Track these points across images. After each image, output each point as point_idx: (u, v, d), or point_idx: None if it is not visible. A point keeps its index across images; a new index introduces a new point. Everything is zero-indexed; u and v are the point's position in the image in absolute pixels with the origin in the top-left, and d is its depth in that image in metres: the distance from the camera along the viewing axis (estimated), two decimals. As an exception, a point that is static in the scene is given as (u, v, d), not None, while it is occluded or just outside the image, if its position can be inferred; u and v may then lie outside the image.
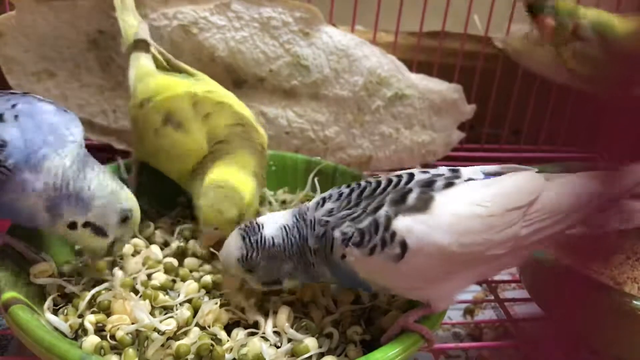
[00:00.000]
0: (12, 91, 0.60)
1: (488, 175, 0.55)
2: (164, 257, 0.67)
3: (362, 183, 0.55)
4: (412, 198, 0.51)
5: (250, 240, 0.55)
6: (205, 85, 0.73)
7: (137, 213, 0.61)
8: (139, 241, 0.69)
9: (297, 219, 0.55)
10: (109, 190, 0.58)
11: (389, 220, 0.50)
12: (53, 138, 0.55)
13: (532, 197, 0.52)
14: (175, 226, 0.72)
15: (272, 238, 0.55)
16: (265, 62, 0.90)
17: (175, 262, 0.66)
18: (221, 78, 0.80)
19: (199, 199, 0.65)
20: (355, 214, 0.51)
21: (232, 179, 0.65)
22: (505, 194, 0.52)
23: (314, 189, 0.79)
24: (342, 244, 0.51)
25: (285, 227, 0.55)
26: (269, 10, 0.89)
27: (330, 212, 0.53)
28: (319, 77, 0.92)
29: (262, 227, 0.55)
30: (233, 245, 0.56)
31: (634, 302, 0.57)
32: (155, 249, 0.68)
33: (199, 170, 0.67)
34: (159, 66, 0.76)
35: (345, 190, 0.55)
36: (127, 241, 0.63)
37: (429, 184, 0.52)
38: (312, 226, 0.54)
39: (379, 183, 0.54)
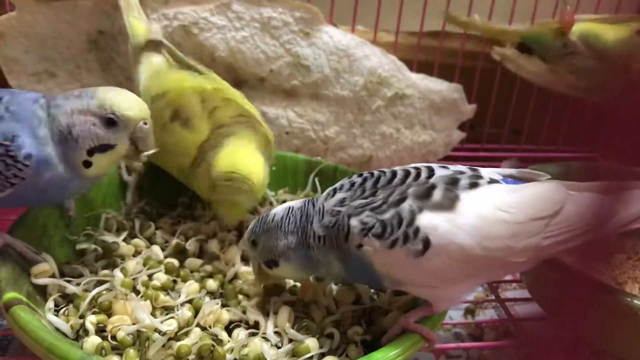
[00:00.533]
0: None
1: (506, 178, 0.54)
2: (165, 257, 0.67)
3: (375, 172, 0.55)
4: (437, 194, 0.50)
5: (259, 220, 0.58)
6: (214, 83, 0.73)
7: (124, 108, 0.57)
8: (139, 242, 0.69)
9: (305, 204, 0.56)
10: (76, 112, 0.56)
11: (413, 214, 0.49)
12: (35, 107, 0.57)
13: (556, 209, 0.51)
14: (176, 226, 0.72)
15: (274, 214, 0.57)
16: (265, 62, 0.90)
17: (176, 262, 0.66)
18: (222, 78, 0.80)
19: (207, 193, 0.66)
20: (375, 204, 0.51)
21: (239, 163, 0.63)
22: (530, 202, 0.51)
23: (314, 189, 0.79)
24: (361, 233, 0.50)
25: (290, 207, 0.57)
26: (270, 10, 0.89)
27: (342, 202, 0.53)
28: (319, 77, 0.92)
29: (274, 208, 0.59)
30: (250, 224, 0.59)
31: (635, 301, 0.57)
32: (156, 249, 0.68)
33: (198, 160, 0.67)
34: (170, 64, 0.77)
35: (358, 180, 0.54)
36: (145, 135, 0.59)
37: (453, 182, 0.51)
38: (320, 213, 0.54)
39: (394, 173, 0.53)
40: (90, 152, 0.57)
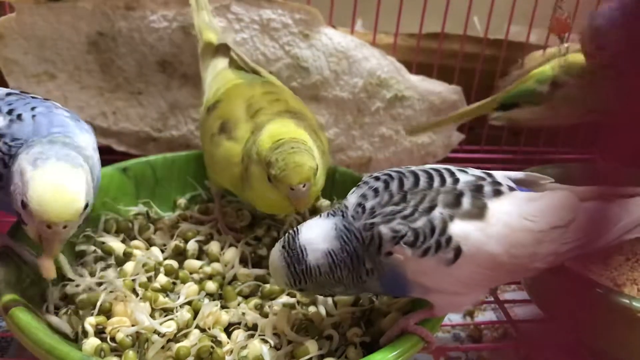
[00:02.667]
0: (32, 95, 0.61)
1: (517, 183, 0.56)
2: (164, 259, 0.67)
3: (393, 174, 0.54)
4: (466, 203, 0.51)
5: (295, 269, 0.52)
6: (268, 87, 0.72)
7: (40, 200, 0.49)
8: (139, 243, 0.69)
9: (344, 240, 0.52)
10: (19, 171, 0.51)
11: (445, 223, 0.50)
12: (56, 129, 0.55)
13: (571, 217, 0.53)
14: (175, 228, 0.72)
15: (318, 267, 0.52)
16: (265, 64, 0.90)
17: (175, 264, 0.66)
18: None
19: (262, 198, 0.62)
20: (407, 212, 0.50)
21: (283, 130, 0.60)
22: (550, 211, 0.53)
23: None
24: (392, 241, 0.50)
25: (330, 254, 0.51)
26: (269, 12, 0.89)
27: (372, 212, 0.51)
28: (318, 79, 0.92)
29: (306, 253, 0.52)
30: (279, 272, 0.53)
31: (634, 303, 0.57)
32: (155, 250, 0.68)
33: (244, 162, 0.63)
34: (233, 69, 0.76)
35: (379, 185, 0.53)
36: (51, 239, 0.51)
37: (478, 189, 0.52)
38: (361, 242, 0.51)
39: (416, 176, 0.53)
40: (17, 212, 0.52)
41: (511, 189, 0.54)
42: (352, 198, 0.54)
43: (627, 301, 0.57)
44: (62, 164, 0.51)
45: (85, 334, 0.56)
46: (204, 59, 0.79)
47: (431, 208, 0.50)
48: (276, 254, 0.53)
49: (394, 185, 0.53)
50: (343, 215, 0.53)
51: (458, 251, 0.50)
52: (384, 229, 0.50)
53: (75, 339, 0.57)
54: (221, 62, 0.77)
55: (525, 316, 0.75)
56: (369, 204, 0.52)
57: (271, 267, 0.55)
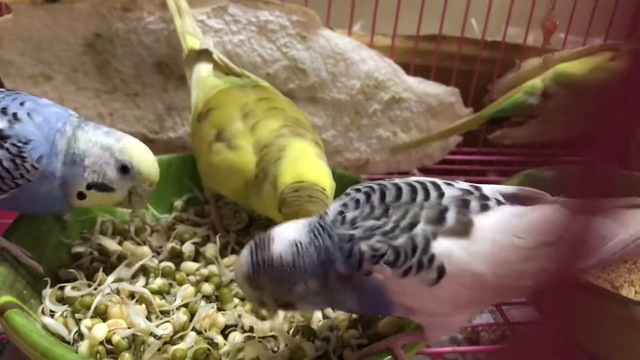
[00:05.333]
0: (15, 91, 0.61)
1: (507, 197, 0.52)
2: (161, 261, 0.67)
3: (375, 186, 0.51)
4: (450, 219, 0.48)
5: (257, 256, 0.49)
6: (260, 92, 0.71)
7: (142, 163, 0.59)
8: (135, 245, 0.69)
9: (315, 235, 0.49)
10: (98, 145, 0.58)
11: (427, 241, 0.47)
12: (60, 122, 0.58)
13: (561, 234, 0.48)
14: (171, 230, 0.72)
15: (280, 256, 0.48)
16: (262, 66, 0.90)
17: (172, 265, 0.66)
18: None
19: (275, 210, 0.60)
20: (387, 228, 0.48)
21: (304, 171, 0.59)
22: (539, 227, 0.49)
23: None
24: (371, 260, 0.47)
25: (297, 244, 0.49)
26: (266, 13, 0.89)
27: (353, 224, 0.48)
28: (316, 81, 0.92)
29: (272, 240, 0.49)
30: (242, 260, 0.50)
31: (631, 305, 0.57)
32: (151, 252, 0.68)
33: (260, 178, 0.63)
34: (219, 74, 0.76)
35: (361, 196, 0.50)
36: (144, 195, 0.61)
37: (464, 204, 0.49)
38: (342, 250, 0.48)
39: (399, 188, 0.50)
40: (89, 186, 0.58)
41: (500, 203, 0.51)
42: (333, 206, 0.51)
43: (624, 303, 0.57)
44: (130, 137, 0.60)
45: (81, 336, 0.56)
46: (189, 65, 0.78)
47: (413, 225, 0.47)
48: (246, 246, 0.51)
49: (375, 198, 0.50)
50: (320, 217, 0.51)
51: (441, 271, 0.47)
52: (364, 247, 0.47)
53: (71, 342, 0.56)
54: (204, 68, 0.77)
55: (523, 318, 0.75)
56: (350, 215, 0.49)
57: (237, 260, 0.51)
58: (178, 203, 0.77)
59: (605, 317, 0.58)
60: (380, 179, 0.55)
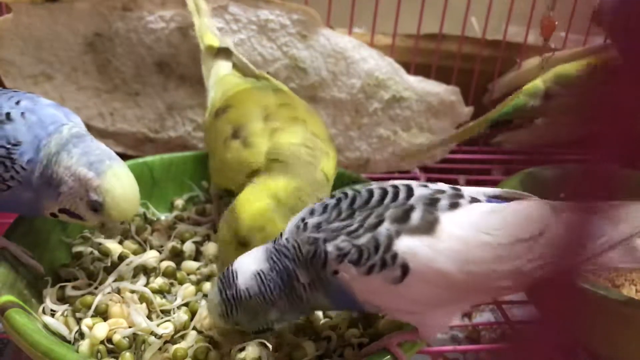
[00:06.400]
0: (13, 90, 0.61)
1: (490, 198, 0.52)
2: (161, 260, 0.67)
3: (349, 192, 0.52)
4: (415, 217, 0.48)
5: (226, 294, 0.51)
6: (282, 97, 0.71)
7: (114, 206, 0.56)
8: (135, 244, 0.69)
9: (274, 260, 0.50)
10: (76, 177, 0.55)
11: (390, 239, 0.47)
12: (53, 127, 0.57)
13: (538, 231, 0.48)
14: (172, 229, 0.72)
15: (247, 290, 0.50)
16: (263, 65, 0.89)
17: (173, 265, 0.66)
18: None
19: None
20: (352, 228, 0.48)
21: (246, 202, 0.60)
22: (513, 223, 0.48)
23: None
24: (336, 259, 0.48)
25: (259, 274, 0.50)
26: (267, 12, 0.89)
27: (318, 227, 0.49)
28: (316, 80, 0.92)
29: (236, 277, 0.51)
30: (213, 299, 0.52)
31: (632, 304, 0.57)
32: (152, 251, 0.68)
33: (248, 183, 0.63)
34: (238, 74, 0.76)
35: (331, 202, 0.51)
36: (114, 228, 0.60)
37: (432, 202, 0.49)
38: (299, 252, 0.49)
39: (371, 193, 0.51)
40: (61, 210, 0.57)
41: (474, 200, 0.50)
42: (296, 216, 0.52)
43: (625, 302, 0.57)
44: (118, 166, 0.57)
45: (81, 335, 0.56)
46: (206, 62, 0.79)
47: (377, 224, 0.48)
48: (215, 283, 0.52)
49: (344, 203, 0.50)
50: (275, 241, 0.52)
51: (405, 269, 0.47)
52: (330, 247, 0.48)
53: (72, 341, 0.56)
54: (224, 66, 0.77)
55: (523, 317, 0.75)
56: (314, 220, 0.50)
57: (208, 299, 0.53)
58: (179, 202, 0.77)
59: (605, 316, 0.58)
60: (381, 179, 0.55)
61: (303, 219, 0.51)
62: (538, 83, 0.91)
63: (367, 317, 0.60)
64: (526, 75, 1.01)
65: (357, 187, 0.53)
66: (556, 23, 0.91)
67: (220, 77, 0.76)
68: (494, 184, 0.90)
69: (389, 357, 0.51)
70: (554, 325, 0.34)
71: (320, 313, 0.60)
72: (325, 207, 0.51)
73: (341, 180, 0.78)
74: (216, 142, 0.69)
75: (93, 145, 0.57)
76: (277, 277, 0.50)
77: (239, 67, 0.78)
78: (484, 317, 0.80)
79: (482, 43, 1.00)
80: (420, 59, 1.00)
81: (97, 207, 0.56)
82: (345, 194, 0.52)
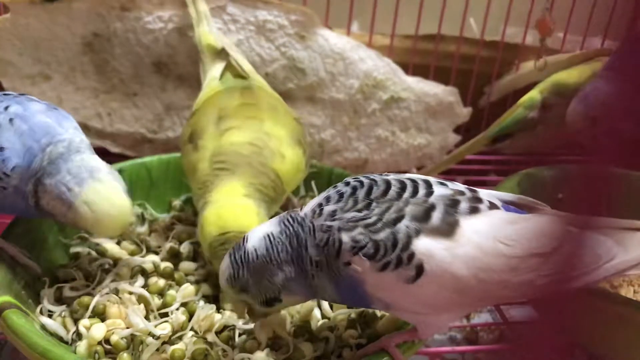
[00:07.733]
0: (4, 92, 0.60)
1: (506, 204, 0.51)
2: (159, 260, 0.67)
3: (365, 181, 0.51)
4: (436, 217, 0.47)
5: (235, 257, 0.51)
6: (246, 97, 0.69)
7: (93, 225, 0.56)
8: (133, 245, 0.69)
9: (285, 224, 0.51)
10: (59, 199, 0.54)
11: (409, 237, 0.46)
12: (46, 139, 0.56)
13: (553, 247, 0.46)
14: (170, 230, 0.72)
15: (255, 250, 0.51)
16: (261, 65, 0.89)
17: (170, 266, 0.66)
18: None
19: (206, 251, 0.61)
20: (370, 220, 0.47)
21: (230, 221, 0.59)
22: (530, 237, 0.48)
23: (307, 192, 0.79)
24: (351, 251, 0.47)
25: (268, 236, 0.51)
26: (265, 13, 0.88)
27: (333, 215, 0.49)
28: (314, 80, 0.92)
29: (247, 240, 0.52)
30: (223, 265, 0.52)
31: (630, 305, 0.57)
32: (149, 252, 0.68)
33: (203, 190, 0.63)
34: (231, 74, 0.76)
35: (347, 190, 0.50)
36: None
37: (453, 204, 0.48)
38: (312, 234, 0.49)
39: (388, 184, 0.50)
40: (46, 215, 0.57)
41: (493, 206, 0.49)
42: (315, 199, 0.52)
43: (623, 303, 0.57)
44: (101, 183, 0.55)
45: (79, 336, 0.56)
46: (203, 63, 0.78)
47: (397, 220, 0.47)
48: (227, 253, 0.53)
49: (361, 192, 0.49)
50: (291, 211, 0.52)
51: (420, 269, 0.46)
52: (345, 237, 0.47)
53: (69, 342, 0.56)
54: (216, 69, 0.76)
55: (522, 318, 0.75)
56: (329, 207, 0.49)
57: (220, 269, 0.53)
58: (176, 203, 0.77)
59: (604, 317, 0.58)
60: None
61: (320, 205, 0.50)
62: (535, 94, 0.90)
63: (365, 318, 0.60)
64: (523, 79, 1.01)
65: (373, 175, 0.52)
66: (554, 23, 0.91)
67: (208, 80, 0.75)
68: (492, 185, 0.90)
69: (386, 358, 0.51)
70: (552, 326, 0.34)
71: (318, 314, 0.60)
72: (341, 195, 0.50)
73: (339, 181, 0.78)
74: (180, 145, 0.70)
75: (79, 161, 0.55)
76: (286, 240, 0.50)
77: (233, 69, 0.78)
78: (482, 317, 0.80)
79: (481, 44, 1.00)
80: (419, 59, 1.00)
81: (78, 225, 0.56)
82: (361, 182, 0.51)
